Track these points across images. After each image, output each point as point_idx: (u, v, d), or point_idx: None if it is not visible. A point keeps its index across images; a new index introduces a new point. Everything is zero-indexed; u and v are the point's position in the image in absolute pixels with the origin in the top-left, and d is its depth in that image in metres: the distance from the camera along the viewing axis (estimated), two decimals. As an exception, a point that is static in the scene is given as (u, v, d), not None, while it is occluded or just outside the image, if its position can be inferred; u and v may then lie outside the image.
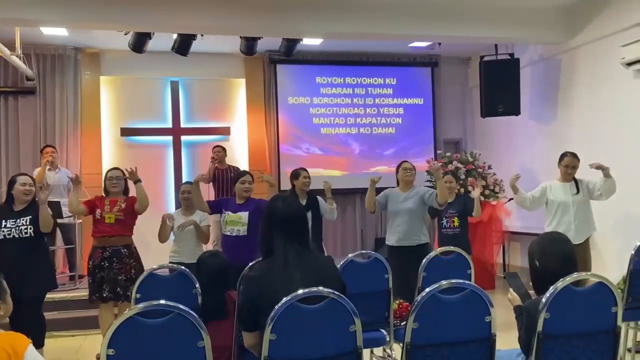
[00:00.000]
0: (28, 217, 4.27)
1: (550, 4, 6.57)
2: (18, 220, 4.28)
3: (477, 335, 2.24)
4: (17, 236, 4.23)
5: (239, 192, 4.70)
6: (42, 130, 7.57)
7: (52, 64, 7.63)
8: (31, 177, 4.54)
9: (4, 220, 4.27)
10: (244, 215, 4.58)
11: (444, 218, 5.61)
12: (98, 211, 4.63)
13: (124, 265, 4.60)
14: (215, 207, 4.84)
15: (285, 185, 8.18)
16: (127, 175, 4.77)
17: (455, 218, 5.57)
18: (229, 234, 4.60)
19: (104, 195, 4.81)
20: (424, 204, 4.88)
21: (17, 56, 6.67)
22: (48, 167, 6.60)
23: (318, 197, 5.39)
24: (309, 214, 5.24)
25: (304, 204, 5.09)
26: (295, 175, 5.27)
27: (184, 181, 5.93)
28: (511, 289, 2.60)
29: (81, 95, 7.77)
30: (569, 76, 6.95)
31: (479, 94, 7.57)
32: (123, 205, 4.67)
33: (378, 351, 3.87)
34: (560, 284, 2.27)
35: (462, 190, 7.02)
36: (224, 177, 6.83)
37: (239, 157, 8.27)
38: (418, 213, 4.86)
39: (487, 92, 7.34)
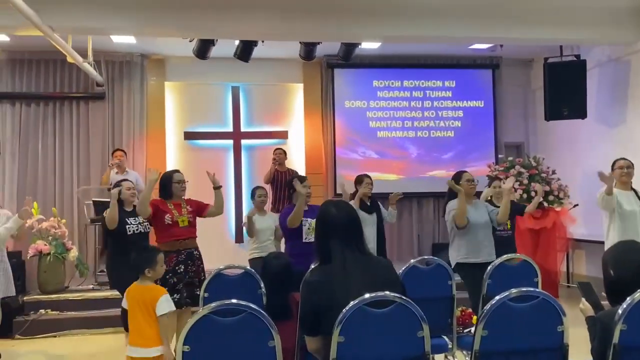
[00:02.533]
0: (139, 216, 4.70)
1: (619, 4, 6.31)
2: (137, 217, 4.75)
3: (548, 344, 2.20)
4: (143, 231, 4.74)
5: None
6: (110, 133, 7.93)
7: (120, 70, 7.98)
8: (131, 182, 5.05)
9: (126, 218, 4.75)
10: (314, 222, 4.59)
11: None
12: (168, 216, 4.48)
13: (197, 268, 4.54)
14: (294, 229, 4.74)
15: (340, 189, 8.29)
16: (211, 180, 4.72)
17: (508, 221, 5.60)
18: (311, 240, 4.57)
19: (161, 198, 4.62)
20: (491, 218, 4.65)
21: (88, 63, 6.99)
22: (115, 170, 6.88)
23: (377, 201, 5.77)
24: (375, 217, 5.52)
25: (359, 206, 5.40)
26: (359, 180, 5.64)
27: (255, 186, 6.07)
28: (583, 299, 2.52)
29: (147, 100, 8.08)
30: (639, 78, 6.66)
31: (543, 97, 7.35)
32: (189, 208, 4.60)
33: (439, 358, 3.82)
34: (639, 295, 2.19)
35: (525, 195, 6.88)
36: (283, 179, 6.93)
37: (296, 160, 8.35)
38: (490, 226, 4.65)
39: (551, 94, 7.13)
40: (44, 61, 7.79)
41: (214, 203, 4.77)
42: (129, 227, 4.74)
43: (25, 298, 6.16)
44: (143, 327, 3.35)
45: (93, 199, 6.96)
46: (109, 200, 6.01)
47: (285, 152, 7.16)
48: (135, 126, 7.95)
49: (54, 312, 6.11)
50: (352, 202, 5.43)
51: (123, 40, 7.17)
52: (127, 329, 5.29)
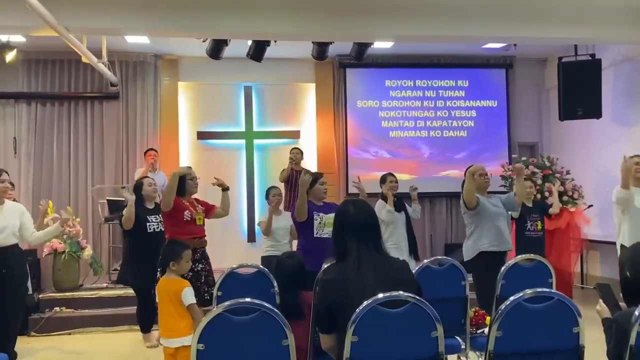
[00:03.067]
0: (160, 214, 4.76)
1: (634, 2, 6.22)
2: (157, 216, 4.86)
3: (564, 346, 2.19)
4: (161, 230, 4.83)
5: (319, 194, 4.66)
6: (124, 132, 7.99)
7: (134, 70, 8.04)
8: (152, 179, 5.22)
9: (147, 216, 4.85)
10: (326, 217, 4.58)
11: (528, 221, 5.76)
12: (187, 212, 4.46)
13: (210, 267, 4.55)
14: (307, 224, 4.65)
15: (352, 188, 8.25)
16: (219, 183, 4.73)
17: (539, 222, 5.81)
18: (327, 236, 4.45)
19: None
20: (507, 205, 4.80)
21: (102, 63, 7.06)
22: (150, 169, 6.99)
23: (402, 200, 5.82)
24: (404, 215, 5.58)
25: (393, 206, 5.45)
26: (383, 180, 5.69)
27: (267, 185, 6.14)
28: (600, 300, 2.49)
29: (160, 100, 8.14)
30: (656, 77, 6.59)
31: (557, 97, 7.29)
32: (201, 207, 4.62)
33: (452, 358, 3.80)
34: (656, 296, 2.17)
35: (538, 195, 6.83)
36: (298, 178, 6.94)
37: (308, 160, 8.35)
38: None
39: (566, 94, 7.07)
40: (59, 61, 7.87)
41: (221, 205, 4.78)
42: (149, 225, 4.86)
43: (40, 296, 6.22)
44: (167, 318, 3.52)
45: (107, 198, 7.03)
46: (122, 199, 6.10)
47: (302, 152, 7.18)
48: (148, 126, 8.01)
49: (68, 310, 6.16)
50: (380, 202, 5.46)
51: (137, 40, 7.22)
52: (146, 331, 5.41)
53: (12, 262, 4.31)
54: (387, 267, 2.34)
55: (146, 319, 5.20)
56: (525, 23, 6.20)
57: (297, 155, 7.06)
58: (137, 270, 4.99)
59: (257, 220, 7.58)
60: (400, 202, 5.64)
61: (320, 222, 4.56)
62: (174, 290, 3.51)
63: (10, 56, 6.82)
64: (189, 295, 3.49)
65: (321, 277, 2.50)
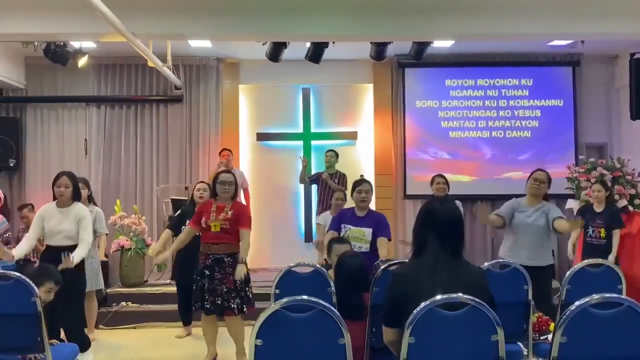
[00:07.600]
0: None
1: None
2: None
3: (634, 354, 2.08)
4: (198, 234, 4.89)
5: (356, 203, 4.51)
6: (187, 134, 8.24)
7: (197, 74, 8.27)
8: (207, 184, 5.38)
9: (188, 220, 5.00)
10: (367, 232, 4.34)
11: (590, 227, 5.56)
12: (204, 219, 4.47)
13: (227, 275, 4.39)
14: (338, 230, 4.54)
15: (410, 190, 8.19)
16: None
17: (603, 229, 5.56)
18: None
19: (211, 199, 4.66)
20: (548, 221, 4.46)
21: (167, 67, 7.31)
22: (223, 168, 7.13)
23: (457, 201, 5.61)
24: None
25: None
26: (431, 181, 5.80)
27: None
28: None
29: (222, 102, 8.33)
30: None
31: (629, 95, 6.93)
32: (229, 214, 4.46)
33: (514, 365, 3.69)
34: None
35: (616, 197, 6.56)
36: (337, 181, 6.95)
37: (365, 161, 8.36)
38: (546, 231, 4.46)
39: (638, 92, 6.71)
40: (127, 66, 8.20)
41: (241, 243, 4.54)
42: (183, 228, 5.06)
43: (108, 290, 6.50)
44: None
45: (171, 197, 7.28)
46: (186, 198, 6.36)
47: (337, 154, 7.11)
48: (211, 127, 8.21)
49: (134, 305, 6.41)
50: None
51: (200, 44, 7.42)
52: (185, 324, 5.71)
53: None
54: (462, 272, 2.30)
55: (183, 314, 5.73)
56: (594, 18, 5.93)
57: (330, 158, 7.03)
58: (176, 268, 5.49)
59: (314, 221, 7.62)
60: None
61: (344, 234, 4.42)
62: None
63: (82, 62, 7.20)
64: None
65: (396, 270, 2.51)
